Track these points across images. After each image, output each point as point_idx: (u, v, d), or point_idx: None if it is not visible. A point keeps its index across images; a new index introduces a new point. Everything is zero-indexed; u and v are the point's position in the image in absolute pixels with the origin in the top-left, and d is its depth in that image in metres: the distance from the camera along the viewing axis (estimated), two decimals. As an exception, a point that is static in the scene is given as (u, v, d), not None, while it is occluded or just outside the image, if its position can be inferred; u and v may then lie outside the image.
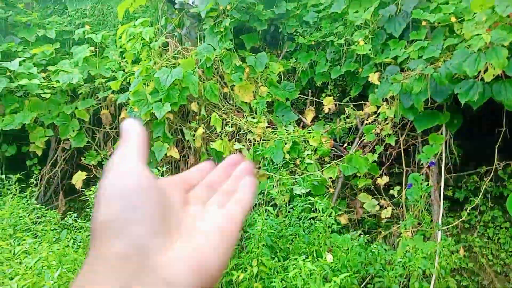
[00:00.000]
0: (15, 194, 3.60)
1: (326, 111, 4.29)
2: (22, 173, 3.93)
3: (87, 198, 3.28)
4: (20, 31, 5.58)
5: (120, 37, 4.78)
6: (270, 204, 3.31)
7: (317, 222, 2.81)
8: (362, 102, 4.12)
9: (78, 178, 4.24)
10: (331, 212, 2.74)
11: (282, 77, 4.58)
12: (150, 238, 0.33)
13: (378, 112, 3.89)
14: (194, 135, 4.26)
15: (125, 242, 0.32)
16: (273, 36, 4.98)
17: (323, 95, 4.47)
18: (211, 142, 4.16)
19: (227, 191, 0.45)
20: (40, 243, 2.47)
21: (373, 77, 3.95)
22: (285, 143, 3.83)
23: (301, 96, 4.58)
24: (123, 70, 4.96)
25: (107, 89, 5.01)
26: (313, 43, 4.58)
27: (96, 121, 4.97)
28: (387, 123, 3.81)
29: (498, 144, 3.47)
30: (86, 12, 6.22)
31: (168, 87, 4.08)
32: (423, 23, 3.73)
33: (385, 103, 3.85)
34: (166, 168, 3.69)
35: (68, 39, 5.70)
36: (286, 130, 4.03)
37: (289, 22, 4.74)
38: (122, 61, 5.02)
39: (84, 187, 4.00)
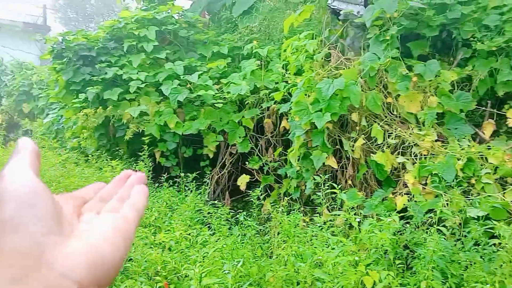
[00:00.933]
0: (191, 191, 4.07)
1: (510, 124, 3.73)
2: (197, 172, 4.44)
3: (251, 199, 3.50)
4: (199, 48, 6.34)
5: (285, 50, 5.04)
6: (441, 224, 3.01)
7: (500, 250, 2.44)
8: (559, 116, 3.47)
9: (243, 181, 4.57)
10: (519, 240, 2.35)
11: (456, 87, 4.17)
12: (45, 235, 0.35)
13: None
14: (353, 146, 4.18)
15: (21, 238, 0.34)
16: (445, 42, 4.59)
17: (506, 106, 3.91)
18: (371, 154, 4.02)
19: (120, 198, 0.46)
20: (214, 235, 2.73)
21: None
22: (458, 159, 3.46)
23: (478, 107, 4.09)
24: (286, 82, 5.20)
25: (270, 99, 5.31)
26: (494, 48, 4.06)
27: (259, 129, 5.31)
28: None
29: None
30: (254, 28, 6.73)
31: (329, 97, 4.11)
32: None
33: None
34: (326, 178, 3.70)
35: (238, 54, 6.24)
36: (459, 144, 3.64)
37: (465, 27, 4.30)
38: (285, 73, 5.26)
39: (247, 189, 4.28)
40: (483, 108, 4.08)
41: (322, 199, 3.19)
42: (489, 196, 3.24)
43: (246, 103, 5.32)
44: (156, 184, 4.62)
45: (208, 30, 6.98)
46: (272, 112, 5.23)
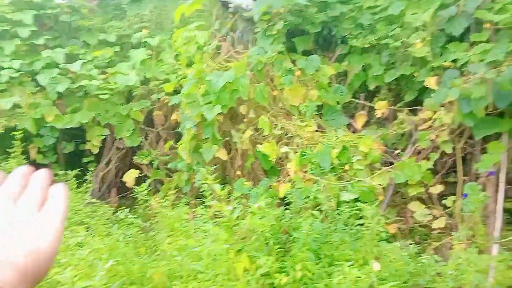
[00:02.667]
0: (71, 189, 3.80)
1: (379, 115, 4.15)
2: (79, 169, 4.15)
3: (137, 196, 3.40)
4: (83, 35, 5.91)
5: (175, 41, 4.94)
6: (317, 208, 3.24)
7: (365, 229, 2.72)
8: (417, 107, 3.95)
9: (130, 176, 4.40)
10: (380, 219, 2.64)
11: (334, 80, 4.50)
12: None
13: (434, 118, 3.70)
14: (242, 138, 4.28)
15: None
16: (326, 38, 4.91)
17: (376, 99, 4.33)
18: (258, 145, 4.16)
19: (37, 197, 0.50)
20: (93, 236, 2.59)
21: (430, 81, 3.78)
22: (334, 148, 3.75)
23: (353, 100, 4.47)
24: (177, 73, 5.11)
25: (161, 91, 5.18)
26: (367, 45, 4.46)
27: (149, 122, 5.15)
28: (443, 130, 3.62)
29: None
30: (144, 16, 6.48)
31: (219, 90, 4.15)
32: (486, 24, 3.52)
33: (442, 108, 3.66)
34: (214, 169, 3.73)
35: (127, 43, 5.95)
36: (335, 134, 3.94)
37: (343, 25, 4.65)
38: (176, 64, 5.17)
39: (136, 185, 4.14)
40: (357, 100, 4.46)
41: (209, 191, 3.22)
42: (360, 180, 3.57)
43: (134, 94, 5.11)
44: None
45: (95, 16, 6.54)
46: (163, 104, 5.12)
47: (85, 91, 4.92)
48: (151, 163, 4.72)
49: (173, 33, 5.30)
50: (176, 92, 4.96)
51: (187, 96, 4.43)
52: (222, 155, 4.26)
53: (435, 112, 3.74)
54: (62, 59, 5.10)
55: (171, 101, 4.90)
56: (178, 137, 4.87)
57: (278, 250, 2.73)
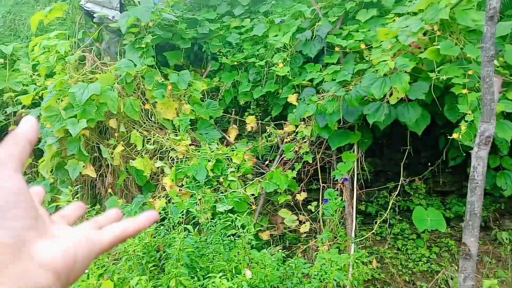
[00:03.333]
0: None
1: (249, 129, 4.38)
2: None
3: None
4: None
5: (33, 50, 4.51)
6: (192, 222, 3.26)
7: (237, 238, 2.83)
8: (282, 122, 4.27)
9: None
10: (251, 228, 2.77)
11: (206, 96, 4.60)
12: (26, 231, 0.40)
13: (296, 131, 4.05)
14: (112, 153, 4.09)
15: (5, 233, 0.38)
16: (197, 55, 5.01)
17: (246, 114, 4.56)
18: (131, 160, 4.02)
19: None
20: None
21: (292, 98, 4.13)
22: (209, 161, 3.83)
23: (225, 114, 4.63)
24: (35, 84, 4.66)
25: (17, 103, 4.66)
26: (236, 63, 4.68)
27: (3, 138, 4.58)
28: (304, 142, 3.98)
29: (403, 161, 3.78)
30: (-6, 21, 5.78)
31: (84, 103, 3.90)
32: (336, 48, 4.00)
33: (302, 122, 4.01)
34: (80, 187, 3.49)
35: (-27, 49, 5.22)
36: (209, 148, 4.03)
37: (213, 42, 4.81)
38: (34, 74, 4.71)
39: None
40: (229, 115, 4.64)
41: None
42: (234, 191, 3.70)
43: (-17, 107, 4.50)
44: None
45: None
46: (19, 118, 4.60)
47: None
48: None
49: (30, 40, 4.83)
50: (36, 105, 4.52)
51: (47, 110, 4.07)
52: (90, 172, 4.00)
53: (297, 126, 4.09)
54: None
55: (29, 115, 4.43)
56: (38, 154, 4.41)
57: (152, 268, 2.67)
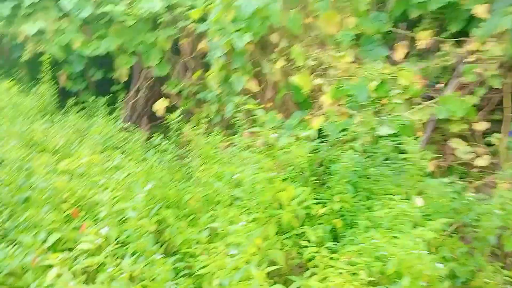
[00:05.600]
0: (103, 115, 3.77)
1: (421, 47, 3.88)
2: (109, 97, 4.10)
3: (169, 124, 3.34)
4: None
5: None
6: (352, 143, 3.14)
7: (407, 164, 2.61)
8: (463, 39, 3.66)
9: (160, 105, 4.34)
10: (425, 153, 2.52)
11: (373, 8, 4.17)
12: None
13: (482, 50, 3.43)
14: (273, 68, 4.11)
15: None
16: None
17: (418, 29, 4.03)
18: (290, 76, 3.99)
19: None
20: (129, 160, 2.57)
21: (479, 10, 3.46)
22: (372, 80, 3.55)
23: (393, 29, 4.16)
24: (203, -2, 4.83)
25: (187, 18, 4.95)
26: (411, -31, 4.06)
27: (176, 51, 4.98)
28: (492, 63, 3.36)
29: None
30: None
31: (249, 16, 3.91)
32: None
33: (492, 39, 3.37)
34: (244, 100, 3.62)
35: (150, -34, 5.60)
36: (373, 66, 3.72)
37: None
38: (203, -11, 4.87)
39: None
40: (397, 30, 4.16)
41: (242, 121, 3.13)
42: (398, 115, 3.41)
43: (160, 21, 4.90)
44: (63, 110, 4.22)
45: None
46: (190, 32, 4.90)
47: (110, 17, 4.72)
48: (180, 93, 4.63)
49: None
50: (203, 19, 4.73)
51: (215, 23, 4.22)
52: (253, 86, 4.12)
53: (483, 43, 3.47)
54: (84, -18, 4.85)
55: (198, 29, 4.69)
56: (206, 67, 4.71)
57: (314, 181, 2.67)
